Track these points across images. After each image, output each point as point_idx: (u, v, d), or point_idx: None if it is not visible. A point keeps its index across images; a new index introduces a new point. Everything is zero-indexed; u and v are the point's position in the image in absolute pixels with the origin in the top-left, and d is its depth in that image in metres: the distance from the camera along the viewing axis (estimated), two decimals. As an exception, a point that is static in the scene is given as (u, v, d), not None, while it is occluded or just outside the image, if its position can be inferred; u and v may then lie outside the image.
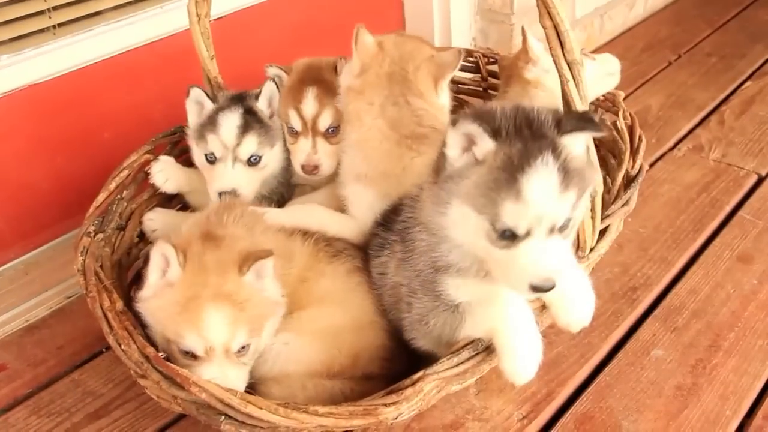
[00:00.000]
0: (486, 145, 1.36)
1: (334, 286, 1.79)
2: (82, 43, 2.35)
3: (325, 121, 2.00)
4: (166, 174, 2.07)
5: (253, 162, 2.01)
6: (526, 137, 1.35)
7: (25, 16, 2.24)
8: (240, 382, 1.58)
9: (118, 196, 1.96)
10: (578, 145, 1.40)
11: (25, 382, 1.98)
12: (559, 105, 1.47)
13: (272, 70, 2.11)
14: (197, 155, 2.04)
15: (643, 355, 1.90)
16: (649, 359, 1.88)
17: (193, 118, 2.05)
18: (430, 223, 1.51)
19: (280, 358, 1.67)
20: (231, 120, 1.99)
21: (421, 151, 1.83)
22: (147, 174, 2.06)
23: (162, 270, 1.59)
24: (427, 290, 1.57)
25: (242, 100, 2.04)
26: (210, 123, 2.00)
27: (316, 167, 2.01)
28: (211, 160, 2.00)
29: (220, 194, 1.96)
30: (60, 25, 2.32)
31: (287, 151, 2.09)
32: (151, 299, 1.59)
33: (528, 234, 1.36)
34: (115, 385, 1.94)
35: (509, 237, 1.37)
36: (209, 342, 1.54)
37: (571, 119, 1.38)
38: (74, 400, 1.91)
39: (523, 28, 2.17)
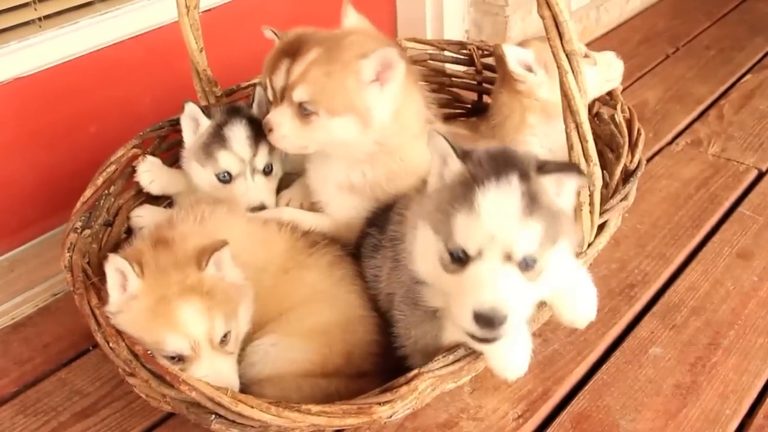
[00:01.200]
0: (454, 165, 1.38)
1: (319, 280, 1.79)
2: (68, 35, 2.34)
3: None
4: (152, 175, 2.05)
5: (267, 171, 2.01)
6: (498, 163, 1.35)
7: (10, 8, 2.23)
8: (231, 372, 1.59)
9: (106, 191, 1.96)
10: (563, 193, 1.40)
11: (11, 380, 1.97)
12: (554, 115, 1.48)
13: (268, 33, 2.06)
14: (203, 177, 2.00)
15: (641, 353, 1.90)
16: (647, 357, 1.89)
17: (190, 135, 2.01)
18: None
19: (269, 359, 1.67)
20: (241, 132, 1.97)
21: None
22: (134, 169, 2.05)
23: (121, 285, 1.56)
24: (408, 300, 1.59)
25: (240, 112, 2.02)
26: (217, 140, 1.96)
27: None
28: (225, 179, 1.98)
29: (252, 210, 1.96)
30: (46, 17, 2.31)
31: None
32: (119, 315, 1.56)
33: (479, 255, 1.33)
34: (103, 383, 1.93)
35: (460, 260, 1.34)
36: (191, 337, 1.53)
37: (556, 163, 1.39)
38: (61, 399, 1.90)
39: (500, 48, 2.08)
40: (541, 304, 1.57)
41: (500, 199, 1.30)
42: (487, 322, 1.30)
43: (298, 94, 1.82)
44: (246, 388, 1.63)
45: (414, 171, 1.84)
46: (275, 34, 2.05)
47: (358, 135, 1.82)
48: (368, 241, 1.81)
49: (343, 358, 1.69)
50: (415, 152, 1.85)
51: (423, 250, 1.43)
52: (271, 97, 2.00)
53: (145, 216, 2.03)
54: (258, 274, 1.73)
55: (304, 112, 1.82)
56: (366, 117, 1.80)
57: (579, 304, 1.56)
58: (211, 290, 1.57)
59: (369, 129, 1.82)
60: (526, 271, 1.34)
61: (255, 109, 2.05)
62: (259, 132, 1.96)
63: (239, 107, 2.05)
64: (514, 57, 2.02)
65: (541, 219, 1.32)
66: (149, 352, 1.47)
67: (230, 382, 1.55)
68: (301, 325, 1.71)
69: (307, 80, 1.81)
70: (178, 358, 1.54)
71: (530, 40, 2.15)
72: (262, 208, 1.97)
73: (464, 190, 1.33)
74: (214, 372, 1.54)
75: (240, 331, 1.64)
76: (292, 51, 1.90)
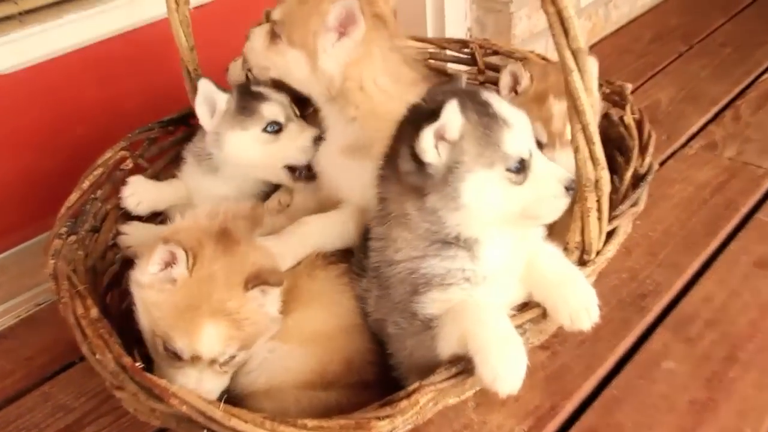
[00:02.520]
0: (456, 121, 1.48)
1: (322, 289, 1.81)
2: (51, 31, 2.35)
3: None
4: (138, 197, 2.05)
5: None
6: (465, 95, 1.54)
7: (-11, 2, 2.24)
8: (215, 391, 1.64)
9: (92, 195, 1.97)
10: None
11: (-10, 395, 1.98)
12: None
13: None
14: (246, 142, 2.02)
15: (653, 367, 1.91)
16: (660, 371, 1.89)
17: (208, 119, 2.02)
18: (423, 241, 1.57)
19: (266, 367, 1.69)
20: (268, 86, 2.06)
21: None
22: (122, 171, 2.06)
23: (165, 263, 1.61)
24: (404, 313, 1.60)
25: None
26: (251, 97, 2.02)
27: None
28: (274, 129, 2.03)
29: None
30: (27, 12, 2.32)
31: None
32: (147, 290, 1.63)
33: (531, 154, 1.54)
34: (89, 398, 1.94)
35: (520, 169, 1.52)
36: (199, 353, 1.59)
37: None
38: (44, 415, 1.91)
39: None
40: (543, 314, 1.58)
41: (506, 104, 1.58)
42: (570, 185, 1.55)
43: (275, 13, 1.97)
44: (241, 398, 1.65)
45: None
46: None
47: (306, 74, 1.94)
48: (357, 255, 1.83)
49: (343, 366, 1.70)
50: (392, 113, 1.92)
51: (483, 194, 1.51)
52: None
53: (132, 234, 2.03)
54: None
55: (275, 33, 1.95)
56: (314, 59, 1.90)
57: (571, 296, 1.56)
58: (244, 320, 1.62)
59: (315, 73, 1.92)
60: None
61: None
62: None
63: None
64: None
65: None
66: (138, 365, 1.48)
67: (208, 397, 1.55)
68: (301, 331, 1.73)
69: (284, 3, 1.96)
70: (175, 354, 1.60)
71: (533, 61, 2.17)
72: (319, 138, 2.01)
73: (488, 121, 1.51)
74: (197, 385, 1.60)
75: (247, 356, 1.69)
76: None
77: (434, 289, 1.55)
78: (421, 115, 1.52)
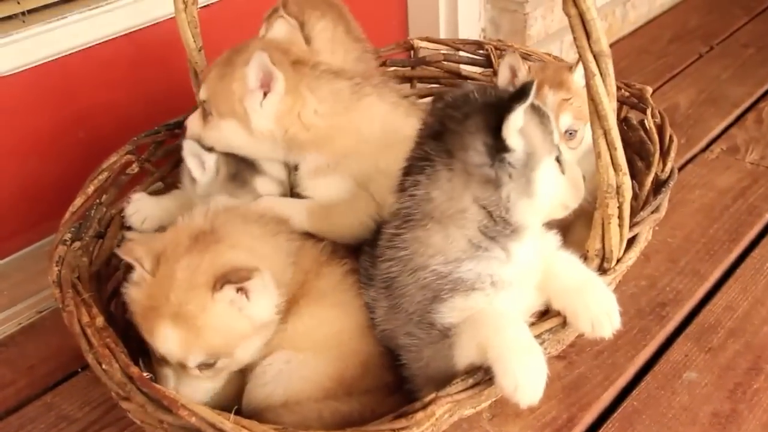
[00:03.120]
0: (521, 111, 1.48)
1: (331, 287, 1.79)
2: (54, 32, 2.35)
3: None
4: (142, 214, 2.05)
5: None
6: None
7: (-9, 1, 2.25)
8: (196, 392, 1.63)
9: (97, 200, 1.97)
10: None
11: (-9, 405, 1.98)
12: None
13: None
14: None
15: (674, 378, 1.90)
16: (681, 382, 1.89)
17: (200, 173, 2.00)
18: (485, 228, 1.55)
19: (282, 379, 1.67)
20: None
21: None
22: (127, 175, 2.07)
23: (135, 263, 1.62)
24: (420, 323, 1.59)
25: None
26: (246, 167, 2.00)
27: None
28: None
29: None
30: (30, 11, 2.32)
31: None
32: (132, 288, 1.64)
33: None
34: (93, 408, 1.94)
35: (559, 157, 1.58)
36: (160, 353, 1.61)
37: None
38: (47, 426, 1.91)
39: None
40: (562, 324, 1.58)
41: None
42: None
43: (201, 94, 1.98)
44: (259, 411, 1.63)
45: (368, 136, 1.96)
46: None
47: (245, 139, 1.96)
48: (363, 262, 1.81)
49: (360, 369, 1.70)
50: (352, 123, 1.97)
51: (547, 184, 1.54)
52: None
53: (142, 209, 2.05)
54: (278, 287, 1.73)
55: (206, 112, 1.98)
56: (247, 122, 1.93)
57: (592, 302, 1.55)
58: (208, 325, 1.57)
59: (253, 135, 1.94)
60: None
61: None
62: None
63: None
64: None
65: None
66: (145, 375, 1.49)
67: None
68: (313, 337, 1.71)
69: (206, 80, 1.97)
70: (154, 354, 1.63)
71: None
72: None
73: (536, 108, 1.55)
74: (174, 385, 1.63)
75: (235, 363, 1.67)
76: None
77: (457, 295, 1.54)
78: (494, 102, 1.52)
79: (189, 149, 1.97)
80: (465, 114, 1.53)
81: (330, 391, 1.67)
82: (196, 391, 1.63)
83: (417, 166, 1.58)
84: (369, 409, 1.64)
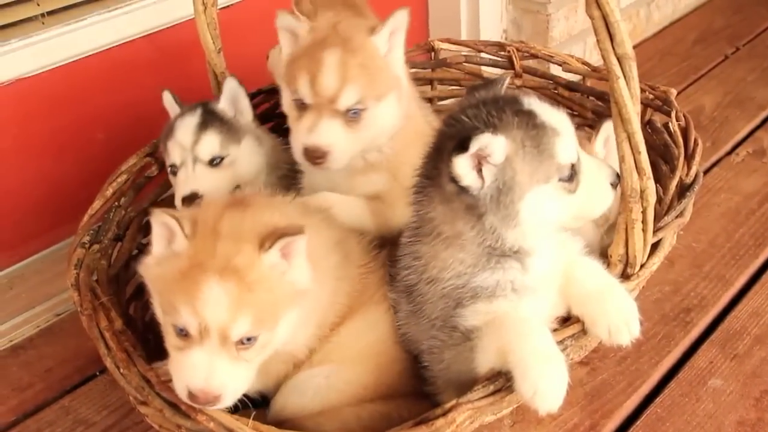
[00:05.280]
0: (498, 146, 1.44)
1: (379, 284, 1.78)
2: (74, 33, 2.37)
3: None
4: None
5: (214, 163, 2.01)
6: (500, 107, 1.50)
7: (11, 3, 2.26)
8: (232, 379, 1.48)
9: (116, 203, 1.98)
10: None
11: (9, 408, 2.00)
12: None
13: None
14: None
15: (699, 385, 1.89)
16: (706, 390, 1.88)
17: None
18: (490, 248, 1.55)
19: (320, 392, 1.65)
20: (187, 122, 2.00)
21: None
22: (146, 178, 2.08)
23: (167, 239, 1.52)
24: (443, 328, 1.59)
25: (197, 105, 2.05)
26: (168, 132, 2.02)
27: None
28: (174, 171, 2.01)
29: (183, 201, 1.95)
30: (49, 13, 2.34)
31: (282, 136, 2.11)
32: (154, 267, 1.53)
33: (578, 158, 1.54)
34: (110, 412, 1.95)
35: (573, 174, 1.51)
36: (203, 320, 1.44)
37: None
38: (64, 429, 1.92)
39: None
40: (584, 330, 1.57)
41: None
42: (615, 180, 1.59)
43: (347, 98, 1.86)
44: (290, 419, 1.63)
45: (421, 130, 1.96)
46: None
47: (398, 111, 1.94)
48: (388, 262, 1.81)
49: (397, 377, 1.70)
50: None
51: (542, 208, 1.51)
52: (308, 99, 1.90)
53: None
54: (338, 282, 1.72)
55: (351, 115, 1.87)
56: (400, 87, 1.93)
57: (611, 309, 1.54)
58: (257, 283, 1.47)
59: (402, 99, 1.94)
60: None
61: (224, 103, 2.06)
62: (209, 121, 2.01)
63: (203, 102, 2.07)
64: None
65: None
66: (164, 379, 1.48)
67: (222, 389, 1.45)
68: (356, 348, 1.70)
69: (350, 80, 1.85)
70: (185, 333, 1.47)
71: None
72: (193, 198, 1.94)
73: (535, 134, 1.48)
74: (209, 370, 1.45)
75: (274, 342, 1.54)
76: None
77: (480, 301, 1.54)
78: (453, 139, 1.48)
79: (166, 102, 2.06)
80: (444, 138, 1.55)
81: (365, 399, 1.67)
82: (233, 378, 1.47)
83: (419, 183, 1.61)
84: (407, 411, 1.63)
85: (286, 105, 1.96)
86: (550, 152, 1.48)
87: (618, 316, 1.54)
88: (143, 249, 2.03)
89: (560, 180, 1.50)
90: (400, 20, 1.89)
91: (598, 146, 1.98)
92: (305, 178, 2.07)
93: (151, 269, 1.54)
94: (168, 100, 2.09)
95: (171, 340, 1.50)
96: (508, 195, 1.47)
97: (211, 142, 1.99)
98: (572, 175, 1.52)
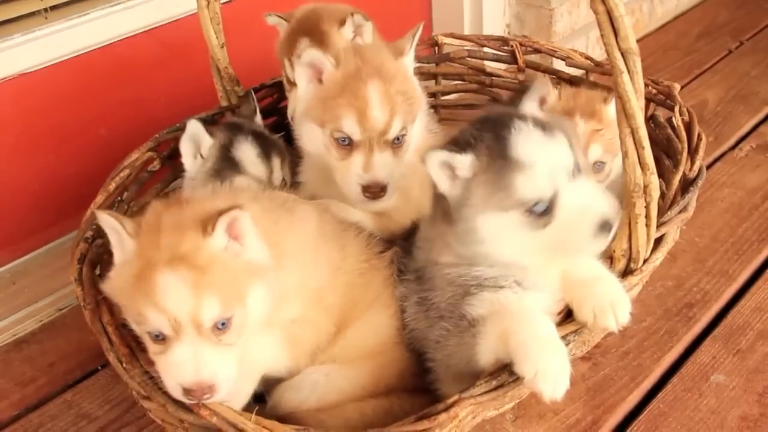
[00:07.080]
0: (462, 162, 1.50)
1: (383, 285, 1.78)
2: (76, 28, 2.38)
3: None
4: None
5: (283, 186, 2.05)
6: (489, 127, 1.54)
7: (14, -2, 2.26)
8: (220, 365, 1.46)
9: (119, 198, 1.98)
10: None
11: (11, 403, 2.00)
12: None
13: (272, 20, 2.06)
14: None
15: (701, 381, 1.89)
16: (708, 385, 1.88)
17: (190, 161, 2.00)
18: (464, 257, 1.58)
19: (318, 389, 1.67)
20: (251, 151, 2.00)
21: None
22: (149, 173, 2.07)
23: (119, 247, 1.51)
24: (452, 315, 1.60)
25: (242, 128, 2.03)
26: (230, 166, 1.98)
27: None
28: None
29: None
30: (52, 8, 2.35)
31: None
32: (114, 280, 1.52)
33: (557, 194, 1.50)
34: (113, 406, 1.95)
35: (547, 210, 1.49)
36: (170, 314, 1.42)
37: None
38: (66, 424, 1.93)
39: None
40: (582, 325, 1.57)
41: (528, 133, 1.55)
42: (608, 222, 1.51)
43: (395, 128, 1.88)
44: (292, 414, 1.63)
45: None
46: (283, 18, 2.10)
47: (422, 127, 1.99)
48: (397, 256, 1.82)
49: (396, 378, 1.71)
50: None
51: (503, 232, 1.53)
52: (356, 136, 1.87)
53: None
54: (334, 271, 1.73)
55: (395, 143, 1.89)
56: (423, 103, 1.99)
57: (597, 291, 1.54)
58: (209, 264, 1.45)
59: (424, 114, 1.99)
60: None
61: (258, 119, 2.07)
62: (267, 145, 2.01)
63: (241, 124, 2.05)
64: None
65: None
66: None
67: (215, 377, 1.44)
68: (361, 349, 1.72)
69: (394, 111, 1.87)
70: (161, 337, 1.45)
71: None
72: None
73: (501, 163, 1.49)
74: (195, 361, 1.44)
75: (249, 320, 1.52)
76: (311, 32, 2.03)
77: (486, 290, 1.56)
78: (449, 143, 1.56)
79: (190, 130, 1.96)
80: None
81: (363, 398, 1.67)
82: (222, 363, 1.46)
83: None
84: (409, 405, 1.65)
85: (315, 142, 1.94)
86: (508, 185, 1.49)
87: (604, 299, 1.53)
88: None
89: (527, 211, 1.49)
90: (418, 35, 1.91)
91: (611, 108, 1.96)
92: (304, 174, 2.09)
93: (111, 283, 1.53)
94: (195, 129, 1.97)
95: (152, 349, 1.49)
96: (463, 211, 1.53)
97: (278, 166, 2.04)
98: (544, 211, 1.50)
